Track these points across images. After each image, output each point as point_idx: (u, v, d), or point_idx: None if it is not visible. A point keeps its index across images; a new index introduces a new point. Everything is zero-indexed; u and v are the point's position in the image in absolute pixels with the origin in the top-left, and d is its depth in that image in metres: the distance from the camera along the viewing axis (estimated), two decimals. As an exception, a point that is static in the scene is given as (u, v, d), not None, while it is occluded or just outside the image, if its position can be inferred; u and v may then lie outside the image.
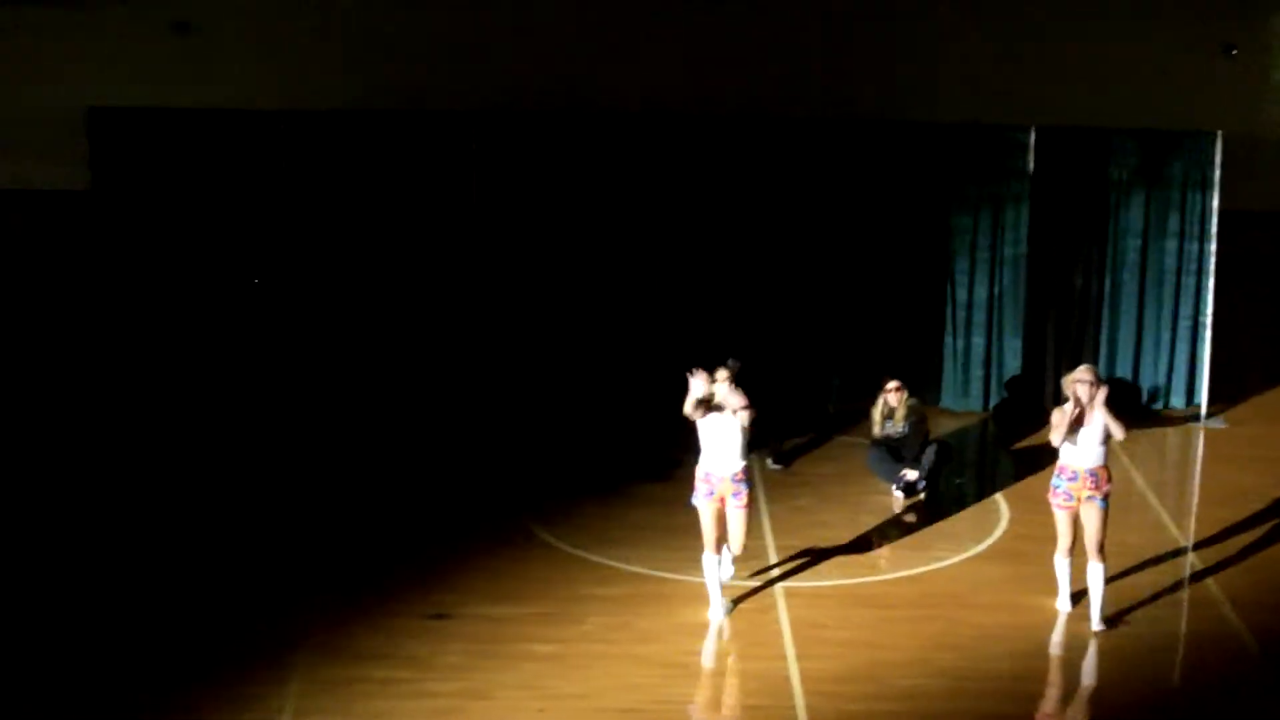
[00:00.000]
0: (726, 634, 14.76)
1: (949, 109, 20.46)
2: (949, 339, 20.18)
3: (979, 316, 20.07)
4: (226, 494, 17.66)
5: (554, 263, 19.99)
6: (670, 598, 15.25)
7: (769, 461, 18.33)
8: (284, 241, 19.76)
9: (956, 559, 16.44)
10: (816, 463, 18.74)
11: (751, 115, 20.29)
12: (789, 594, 15.54)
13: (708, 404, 14.70)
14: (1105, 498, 14.82)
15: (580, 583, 15.75)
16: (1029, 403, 20.04)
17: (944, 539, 16.88)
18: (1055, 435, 14.83)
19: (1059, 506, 14.91)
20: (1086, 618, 14.94)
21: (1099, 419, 14.71)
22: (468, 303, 20.01)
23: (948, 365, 20.26)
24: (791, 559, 16.23)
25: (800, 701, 13.74)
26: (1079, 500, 14.81)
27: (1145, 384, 20.31)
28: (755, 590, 15.46)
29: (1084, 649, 14.74)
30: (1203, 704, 13.97)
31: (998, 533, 17.02)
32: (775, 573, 15.89)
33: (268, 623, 14.85)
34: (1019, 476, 18.36)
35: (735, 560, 15.38)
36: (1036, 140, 19.63)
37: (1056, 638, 14.91)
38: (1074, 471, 14.79)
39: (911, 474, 17.72)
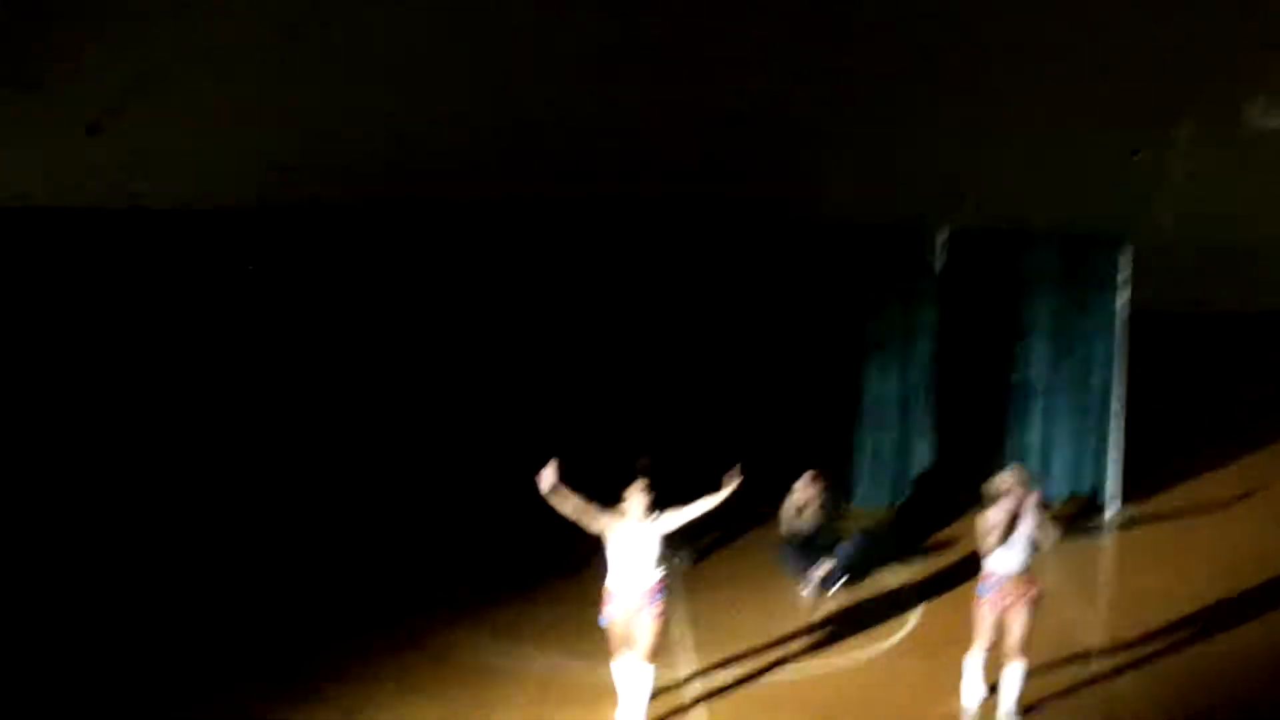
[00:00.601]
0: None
1: (861, 207, 20.61)
2: (860, 436, 20.36)
3: (890, 413, 20.27)
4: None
5: (450, 354, 20.11)
6: (586, 691, 15.25)
7: (679, 557, 18.30)
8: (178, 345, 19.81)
9: (869, 654, 16.49)
10: (728, 559, 18.75)
11: (668, 206, 20.40)
12: (700, 694, 15.52)
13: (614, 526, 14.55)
14: (1033, 603, 14.82)
15: (488, 684, 15.65)
16: (938, 498, 20.21)
17: (856, 634, 16.89)
18: (986, 543, 14.79)
19: (986, 609, 14.90)
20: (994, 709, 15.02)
21: (1030, 521, 14.73)
22: (364, 396, 20.09)
23: (859, 462, 20.40)
24: (707, 657, 16.22)
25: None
26: (1005, 606, 14.81)
27: (1054, 478, 20.46)
28: (670, 688, 15.40)
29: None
30: None
31: (909, 626, 17.11)
32: (690, 671, 15.87)
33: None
34: (930, 570, 18.47)
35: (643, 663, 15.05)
36: (948, 239, 19.94)
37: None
38: (1000, 579, 14.80)
39: (823, 569, 17.78)
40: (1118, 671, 16.17)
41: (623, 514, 14.55)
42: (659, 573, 14.59)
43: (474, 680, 15.71)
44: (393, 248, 19.97)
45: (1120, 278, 20.10)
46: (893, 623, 17.17)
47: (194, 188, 20.12)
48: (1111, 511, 20.33)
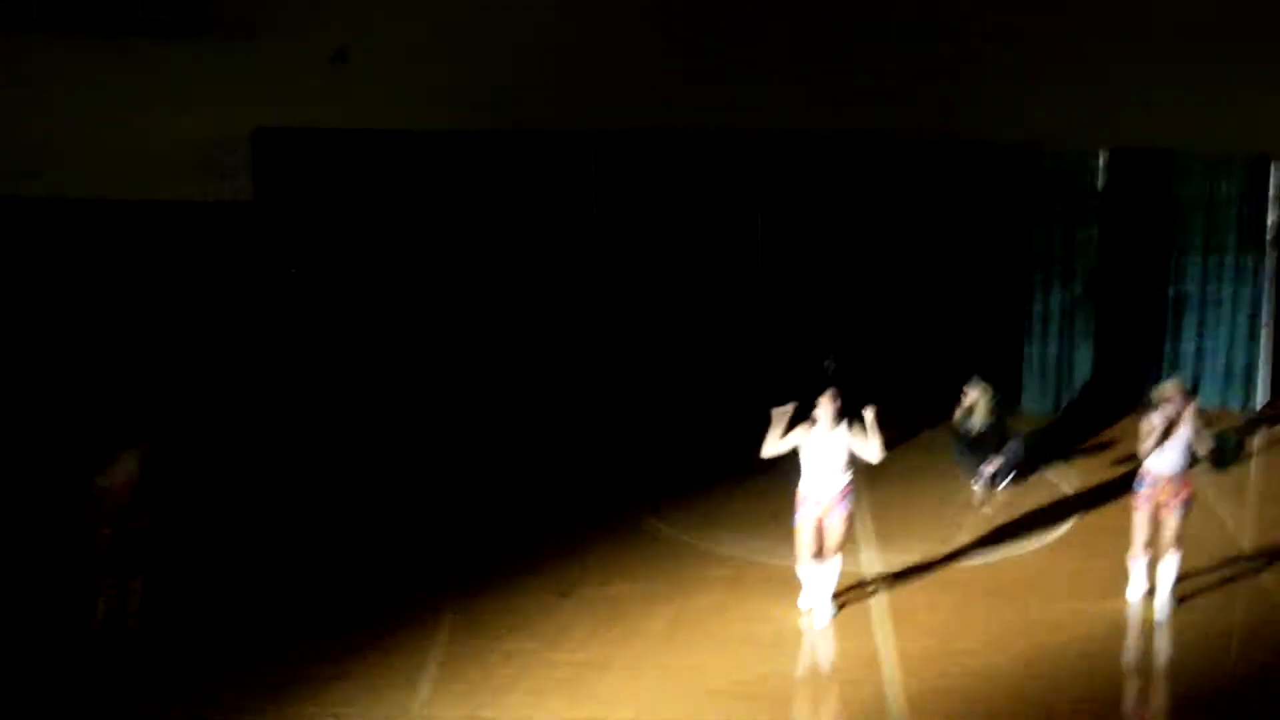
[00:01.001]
0: (822, 614, 15.77)
1: (1031, 132, 21.36)
2: (1027, 346, 21.35)
3: (1054, 325, 21.24)
4: (374, 484, 19.01)
5: (663, 273, 21.42)
6: (771, 580, 16.27)
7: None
8: (419, 254, 21.27)
9: (1030, 549, 17.48)
10: (905, 455, 19.56)
11: (848, 136, 21.44)
12: (881, 575, 16.64)
13: (791, 423, 15.40)
14: (1185, 503, 15.72)
15: (687, 564, 17.00)
16: (1099, 404, 21.15)
17: (1019, 529, 17.87)
18: (1145, 445, 15.64)
19: (1140, 508, 15.78)
20: (1152, 607, 15.92)
21: (1186, 430, 15.59)
22: (590, 308, 21.48)
23: (1026, 370, 21.41)
24: (882, 546, 17.34)
25: (886, 674, 14.85)
26: (1158, 505, 15.71)
27: (1205, 386, 21.25)
28: (853, 575, 16.36)
29: (1148, 635, 15.73)
30: (1260, 685, 14.90)
31: (1068, 525, 17.99)
32: (866, 559, 16.95)
33: (412, 600, 16.17)
34: (1090, 472, 19.34)
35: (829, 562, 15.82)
36: (1107, 162, 20.82)
37: (1121, 625, 15.81)
38: (1156, 478, 15.67)
39: (990, 467, 18.85)
40: (1264, 568, 17.10)
41: (814, 422, 15.39)
42: (847, 476, 15.48)
43: (673, 563, 17.08)
44: (590, 172, 21.33)
45: (1270, 195, 20.88)
46: (1055, 518, 18.07)
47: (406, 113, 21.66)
48: (1258, 419, 21.05)
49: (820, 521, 15.44)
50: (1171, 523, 15.72)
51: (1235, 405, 21.39)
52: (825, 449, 15.34)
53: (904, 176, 21.31)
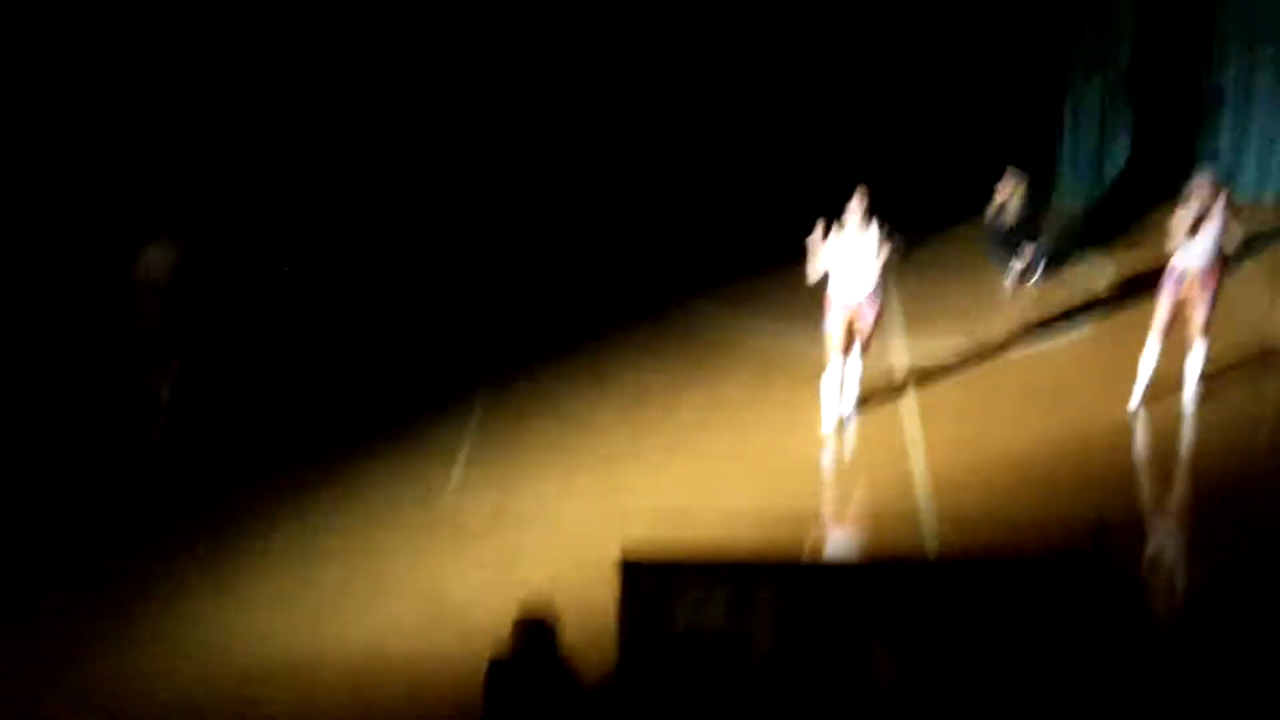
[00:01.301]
0: (855, 401, 15.83)
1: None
2: (1061, 137, 21.12)
3: (1090, 116, 20.98)
4: (407, 273, 18.99)
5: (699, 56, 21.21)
6: (804, 362, 16.20)
7: (896, 243, 19.33)
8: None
9: (1062, 343, 17.51)
10: (938, 248, 19.61)
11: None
12: (912, 365, 16.75)
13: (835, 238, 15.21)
14: (1212, 296, 15.61)
15: (721, 347, 17.16)
16: (1136, 197, 21.00)
17: (1052, 323, 17.86)
18: (1175, 236, 15.51)
19: (1166, 297, 15.67)
20: (1180, 399, 15.92)
21: (1215, 222, 15.43)
22: (629, 91, 21.26)
23: (1061, 161, 21.21)
24: (912, 339, 17.39)
25: (918, 460, 15.07)
26: (1185, 299, 15.62)
27: (1243, 177, 20.97)
28: (881, 371, 16.46)
29: (1177, 426, 15.74)
30: None
31: (1101, 319, 17.96)
32: (896, 352, 17.02)
33: (445, 386, 16.37)
34: (1125, 266, 19.17)
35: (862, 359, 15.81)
36: None
37: (1152, 417, 15.84)
38: (1184, 272, 15.56)
39: (1024, 259, 18.78)
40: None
41: (843, 224, 15.22)
42: (877, 276, 15.40)
43: (709, 344, 17.24)
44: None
45: None
46: (1089, 312, 18.06)
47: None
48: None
49: (850, 323, 15.41)
50: (1199, 313, 15.67)
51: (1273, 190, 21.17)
52: (854, 250, 15.23)
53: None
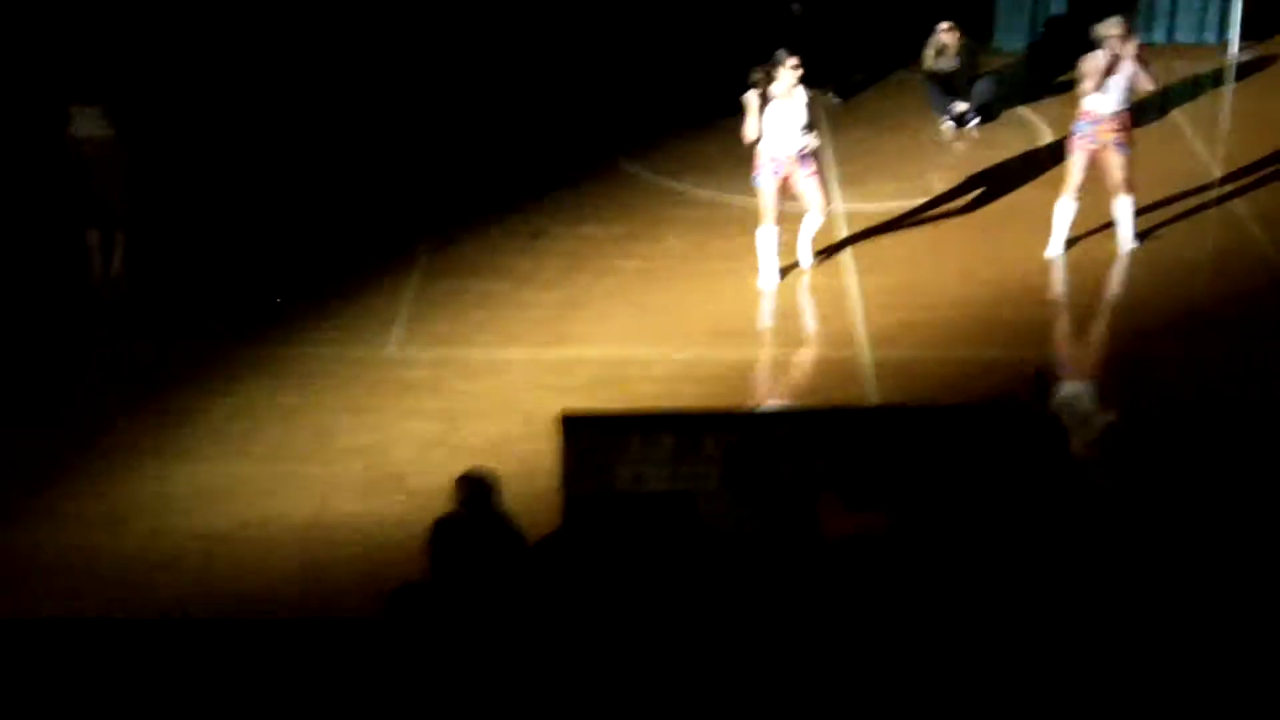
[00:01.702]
0: (795, 253, 15.80)
1: None
2: None
3: None
4: (344, 135, 18.76)
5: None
6: (744, 220, 16.15)
7: (829, 95, 19.34)
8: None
9: (1003, 187, 17.45)
10: (875, 96, 19.72)
11: None
12: (850, 216, 16.74)
13: (765, 99, 15.16)
14: (1128, 143, 15.61)
15: (660, 206, 17.12)
16: (1074, 41, 20.82)
17: (992, 168, 17.83)
18: (1086, 84, 15.50)
19: (1079, 148, 15.66)
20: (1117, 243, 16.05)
21: (1127, 68, 15.41)
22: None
23: (996, 5, 21.04)
24: (851, 189, 17.37)
25: (858, 310, 15.15)
26: (1100, 145, 15.59)
27: (1180, 20, 21.08)
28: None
29: (1117, 262, 15.91)
30: (1227, 311, 15.20)
31: (1041, 163, 17.84)
32: (837, 197, 16.92)
33: (385, 241, 16.36)
34: (1065, 109, 18.72)
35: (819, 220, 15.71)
36: None
37: (1091, 259, 15.98)
38: (1097, 116, 15.53)
39: (961, 105, 18.84)
40: (1234, 195, 17.26)
41: (773, 81, 15.10)
42: (808, 138, 15.27)
43: (646, 204, 17.19)
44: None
45: None
46: (1028, 157, 18.03)
47: None
48: (1234, 51, 20.84)
49: (784, 182, 15.36)
50: (1116, 166, 15.68)
51: (1212, 40, 21.14)
52: (783, 110, 15.16)
53: None
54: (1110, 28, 15.55)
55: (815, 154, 15.46)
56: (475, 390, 14.07)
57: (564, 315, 15.12)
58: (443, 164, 18.11)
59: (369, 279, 15.63)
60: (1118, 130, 15.59)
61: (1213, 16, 21.14)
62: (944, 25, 19.06)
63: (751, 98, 15.14)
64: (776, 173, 15.31)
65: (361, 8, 20.62)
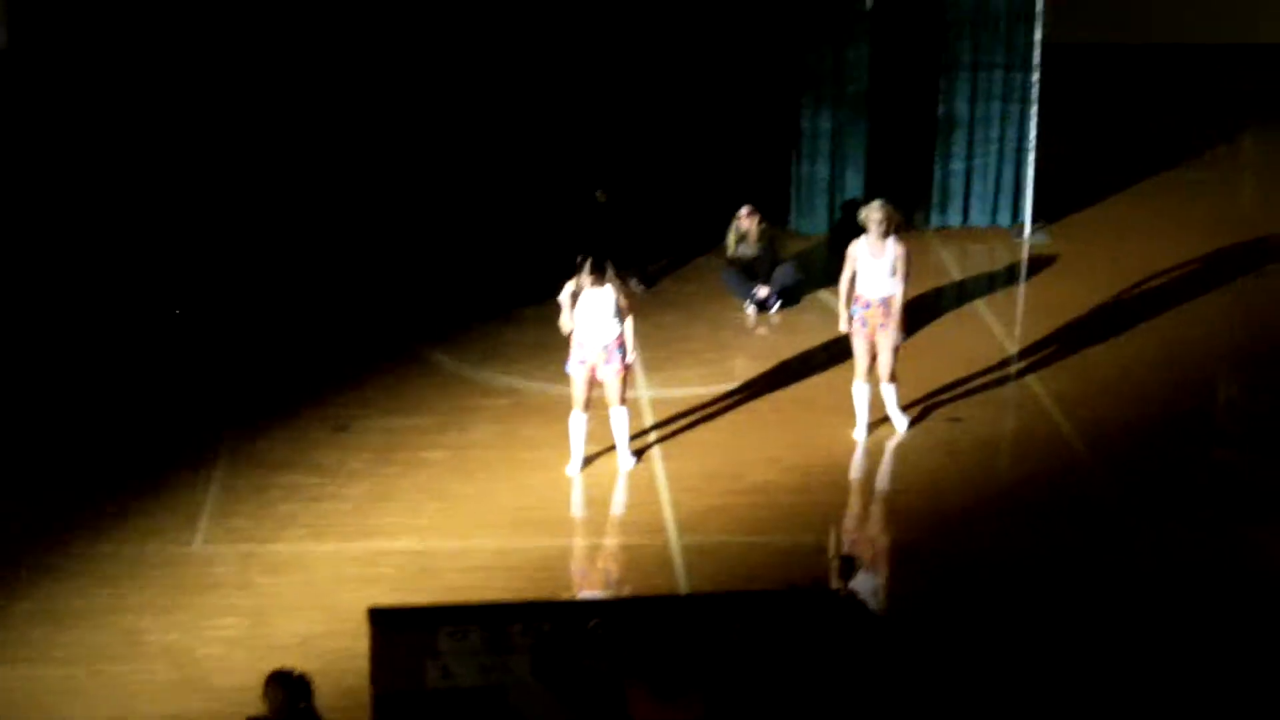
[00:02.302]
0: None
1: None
2: (795, 166, 21.31)
3: (824, 145, 21.18)
4: (153, 319, 18.64)
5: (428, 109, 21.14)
6: (551, 408, 16.27)
7: (634, 283, 19.48)
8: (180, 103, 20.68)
9: (804, 366, 17.71)
10: (679, 282, 19.89)
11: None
12: (655, 402, 16.89)
13: (576, 296, 15.23)
14: (896, 328, 15.78)
15: (465, 395, 17.10)
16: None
17: (793, 351, 18.09)
18: (846, 269, 15.82)
19: (855, 332, 15.89)
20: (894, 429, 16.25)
21: (890, 251, 15.66)
22: (361, 143, 21.04)
23: (795, 190, 21.41)
24: (656, 375, 17.48)
25: (665, 496, 15.22)
26: (872, 328, 15.81)
27: (975, 204, 21.55)
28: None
29: (917, 445, 16.12)
30: (1029, 492, 15.51)
31: (842, 346, 17.71)
32: (642, 384, 17.11)
33: (187, 434, 16.16)
34: None
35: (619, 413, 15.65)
36: None
37: (891, 443, 16.19)
38: (867, 301, 15.78)
39: (763, 291, 19.06)
40: (1032, 371, 17.63)
41: (582, 280, 15.16)
42: (616, 326, 15.28)
43: (452, 395, 17.15)
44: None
45: (1035, 10, 20.79)
46: (830, 340, 17.89)
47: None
48: (1027, 230, 21.30)
49: (593, 372, 15.41)
50: (886, 347, 15.84)
51: (1004, 222, 21.57)
52: (589, 303, 15.22)
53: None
54: (872, 211, 15.84)
55: (622, 344, 15.44)
56: (281, 585, 13.93)
57: (372, 508, 15.04)
58: (244, 353, 18.02)
59: (171, 473, 15.46)
60: (885, 314, 15.79)
61: (1005, 199, 21.59)
62: (744, 210, 19.35)
63: (564, 292, 15.23)
64: (583, 361, 15.37)
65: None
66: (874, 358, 15.98)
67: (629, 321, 15.36)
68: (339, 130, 21.05)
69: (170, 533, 14.58)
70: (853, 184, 21.34)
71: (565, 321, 15.30)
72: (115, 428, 16.43)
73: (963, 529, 14.96)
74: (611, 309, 15.25)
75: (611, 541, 14.94)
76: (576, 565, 14.76)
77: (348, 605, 13.02)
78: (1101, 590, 14.06)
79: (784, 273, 19.33)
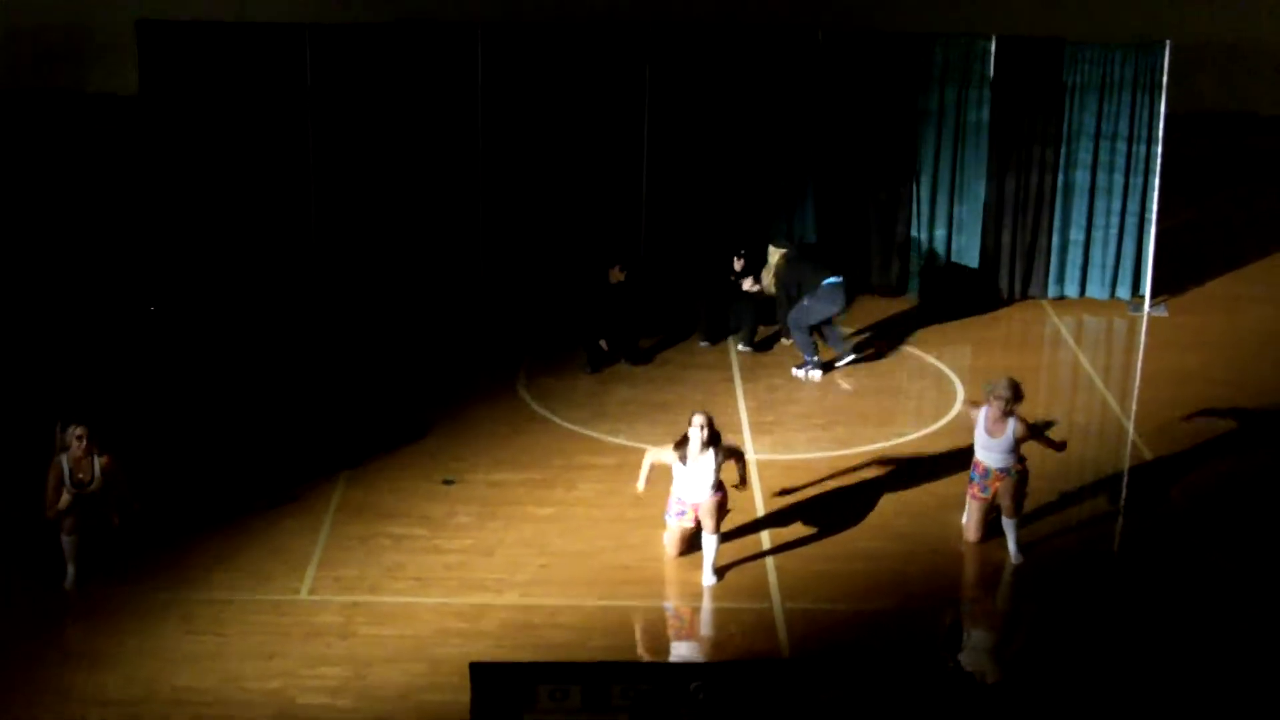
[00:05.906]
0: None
1: (915, 19, 21.39)
2: (914, 233, 21.28)
3: (942, 211, 21.22)
4: (266, 379, 18.80)
5: (550, 161, 21.08)
6: (657, 469, 15.65)
7: (740, 345, 19.61)
8: (306, 144, 20.81)
9: (916, 434, 17.71)
10: (787, 347, 19.73)
11: (731, 25, 21.35)
12: (763, 465, 16.84)
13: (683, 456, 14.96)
14: (1019, 476, 15.31)
15: (573, 453, 17.16)
16: (986, 291, 21.34)
17: (906, 415, 18.21)
18: (975, 427, 15.41)
19: (973, 497, 15.51)
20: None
21: (1010, 431, 15.17)
22: (472, 202, 21.06)
23: (913, 257, 21.38)
24: (764, 435, 17.55)
25: (770, 560, 15.20)
26: (993, 493, 15.38)
27: (1094, 276, 21.38)
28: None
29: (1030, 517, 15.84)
30: (1138, 566, 15.43)
31: (953, 411, 18.13)
32: (749, 446, 17.15)
33: (300, 487, 16.25)
34: (974, 358, 19.70)
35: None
36: (997, 49, 20.65)
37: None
38: (985, 469, 15.38)
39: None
40: (1149, 445, 17.46)
41: (683, 444, 14.89)
42: (717, 491, 14.95)
43: (559, 450, 17.19)
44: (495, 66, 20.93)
45: (1161, 81, 20.69)
46: (939, 406, 18.21)
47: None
48: (1147, 302, 21.14)
49: (691, 528, 15.17)
50: (1006, 497, 15.36)
51: (1124, 294, 21.42)
52: (695, 468, 15.00)
53: (785, 67, 21.03)
54: (998, 389, 15.32)
55: (723, 507, 15.17)
56: (385, 636, 13.97)
57: (476, 562, 15.09)
58: (354, 406, 18.13)
59: (282, 524, 15.59)
60: (1003, 478, 15.35)
61: (1125, 272, 21.41)
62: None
63: (655, 454, 15.18)
64: (681, 514, 15.14)
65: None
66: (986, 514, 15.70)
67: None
68: (454, 183, 21.14)
69: (278, 580, 14.69)
70: (970, 250, 21.28)
71: (640, 484, 15.28)
72: (229, 478, 16.55)
73: (1075, 602, 14.84)
74: (713, 476, 14.98)
75: (713, 604, 14.85)
76: (677, 626, 14.69)
77: (450, 658, 13.18)
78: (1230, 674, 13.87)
79: (833, 334, 19.48)
